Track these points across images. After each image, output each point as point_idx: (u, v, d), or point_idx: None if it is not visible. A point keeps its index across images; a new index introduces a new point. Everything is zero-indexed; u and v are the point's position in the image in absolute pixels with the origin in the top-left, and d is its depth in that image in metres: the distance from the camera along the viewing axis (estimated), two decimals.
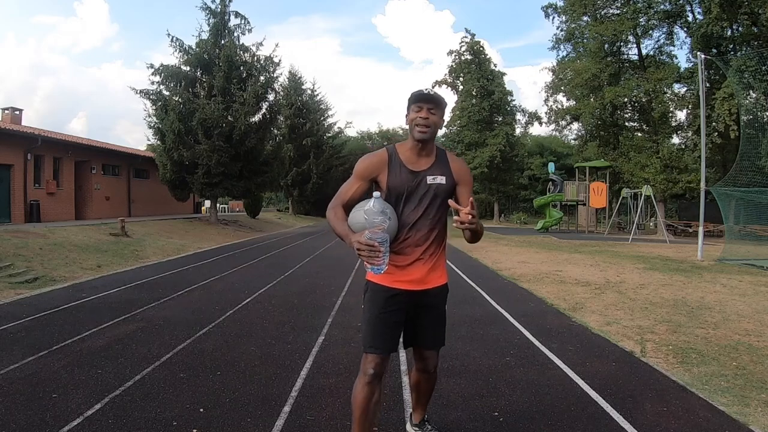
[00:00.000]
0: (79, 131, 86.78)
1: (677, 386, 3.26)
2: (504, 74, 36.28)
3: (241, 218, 26.81)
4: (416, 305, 2.15)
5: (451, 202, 2.06)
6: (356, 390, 2.06)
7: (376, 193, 2.05)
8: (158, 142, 20.77)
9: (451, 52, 36.49)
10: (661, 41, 24.39)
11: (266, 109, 22.34)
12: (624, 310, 5.68)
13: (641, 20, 22.63)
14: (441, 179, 2.14)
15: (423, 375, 2.31)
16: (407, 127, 2.17)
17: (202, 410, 2.82)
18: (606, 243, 16.42)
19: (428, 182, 2.13)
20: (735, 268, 9.82)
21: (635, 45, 24.85)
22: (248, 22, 21.84)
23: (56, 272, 8.15)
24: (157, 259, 10.93)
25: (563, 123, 29.83)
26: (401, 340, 2.23)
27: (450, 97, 36.30)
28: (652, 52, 24.61)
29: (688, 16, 22.69)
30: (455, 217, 1.95)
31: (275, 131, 25.40)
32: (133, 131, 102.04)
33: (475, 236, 2.09)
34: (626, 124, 26.69)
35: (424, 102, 2.07)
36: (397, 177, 2.12)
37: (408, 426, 2.55)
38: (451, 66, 36.62)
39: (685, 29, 23.11)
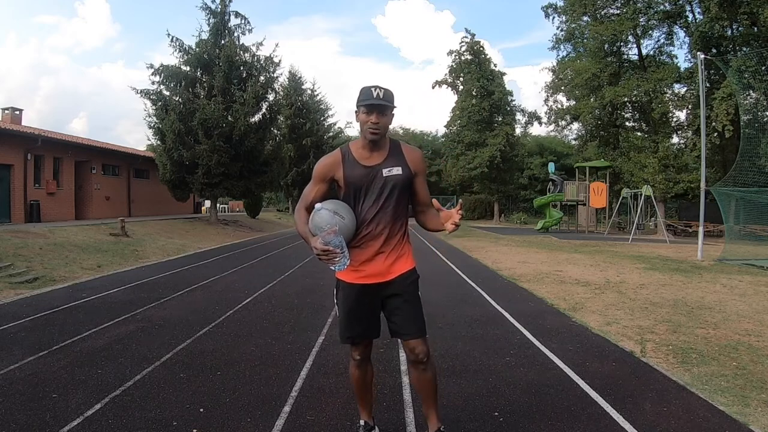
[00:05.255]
0: (80, 131, 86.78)
1: (677, 386, 3.26)
2: (504, 74, 36.22)
3: (241, 218, 26.80)
4: (385, 296, 2.24)
5: (435, 202, 2.18)
6: (351, 371, 2.39)
7: (318, 205, 2.13)
8: (158, 142, 20.78)
9: (451, 52, 36.43)
10: (661, 41, 24.40)
11: (266, 109, 22.32)
12: (624, 310, 5.68)
13: (641, 20, 22.60)
14: (397, 170, 2.20)
15: (416, 367, 2.27)
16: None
17: (202, 410, 2.82)
18: (606, 243, 16.41)
19: (384, 175, 2.18)
20: (735, 268, 9.81)
21: (635, 45, 24.84)
22: (248, 22, 21.89)
23: (56, 272, 8.15)
24: (157, 259, 10.94)
25: (563, 123, 29.78)
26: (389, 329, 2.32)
27: (450, 97, 36.22)
28: (652, 52, 24.60)
29: (687, 16, 22.68)
30: (449, 224, 2.09)
31: (275, 131, 25.36)
32: (133, 131, 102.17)
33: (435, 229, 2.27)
34: (626, 124, 26.67)
35: (374, 107, 2.11)
36: (352, 174, 2.19)
37: None
38: (451, 66, 36.57)
39: (685, 29, 23.11)
